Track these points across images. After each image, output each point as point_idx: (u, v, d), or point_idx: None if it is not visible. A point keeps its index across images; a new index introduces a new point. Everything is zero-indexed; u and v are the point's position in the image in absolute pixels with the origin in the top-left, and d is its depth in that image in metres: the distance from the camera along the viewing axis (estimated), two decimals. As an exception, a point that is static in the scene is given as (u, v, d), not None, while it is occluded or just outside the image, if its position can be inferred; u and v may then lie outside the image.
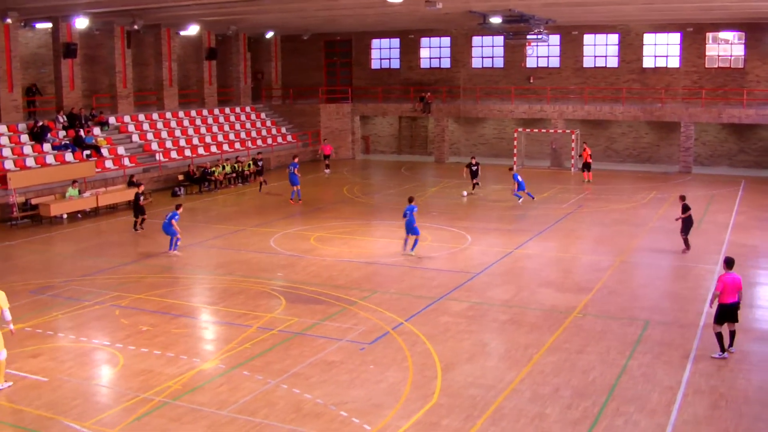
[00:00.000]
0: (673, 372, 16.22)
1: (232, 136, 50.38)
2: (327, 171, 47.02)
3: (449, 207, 36.03)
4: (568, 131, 48.99)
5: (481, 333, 19.01)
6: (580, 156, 45.37)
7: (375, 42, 60.28)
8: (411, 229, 26.36)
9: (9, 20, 37.67)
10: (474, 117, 54.57)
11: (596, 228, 31.16)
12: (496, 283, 23.32)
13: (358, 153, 57.02)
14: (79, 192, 34.58)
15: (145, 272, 24.74)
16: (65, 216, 33.44)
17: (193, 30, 46.75)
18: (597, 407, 14.49)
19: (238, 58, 56.21)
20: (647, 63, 52.07)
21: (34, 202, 33.32)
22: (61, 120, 41.05)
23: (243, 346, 17.84)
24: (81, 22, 39.48)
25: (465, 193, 39.05)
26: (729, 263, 17.36)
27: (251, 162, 44.48)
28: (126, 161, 41.04)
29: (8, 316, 15.91)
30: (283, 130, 55.35)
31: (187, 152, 45.42)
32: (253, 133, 52.35)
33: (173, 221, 26.79)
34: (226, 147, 48.35)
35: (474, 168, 39.65)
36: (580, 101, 51.63)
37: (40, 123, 39.30)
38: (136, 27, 42.94)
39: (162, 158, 43.36)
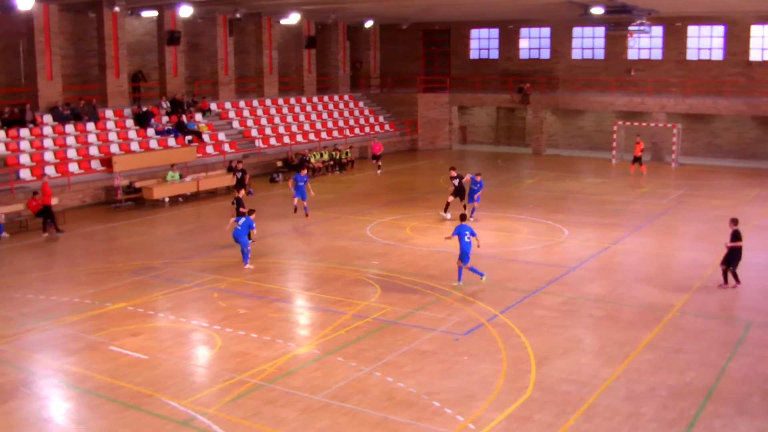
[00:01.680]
0: (775, 374, 15.80)
1: (330, 124, 50.77)
2: (379, 171, 44.22)
3: (545, 199, 35.66)
4: (669, 125, 47.95)
5: (575, 328, 18.81)
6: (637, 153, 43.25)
7: (474, 32, 59.94)
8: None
9: (117, 9, 38.66)
10: (572, 109, 53.87)
11: (696, 224, 30.46)
12: (592, 278, 23.02)
13: (455, 143, 56.86)
14: (180, 176, 35.33)
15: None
16: (167, 199, 34.21)
17: (293, 18, 47.16)
18: (694, 409, 14.18)
19: (337, 46, 56.59)
20: (754, 56, 50.52)
21: (137, 185, 34.18)
22: (165, 106, 41.99)
23: (337, 333, 18.01)
24: (185, 11, 40.22)
25: (448, 215, 31.02)
26: None
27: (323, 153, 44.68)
28: (226, 147, 41.76)
29: None
30: (381, 118, 55.53)
31: (286, 139, 45.98)
32: (351, 122, 52.67)
33: (250, 228, 24.45)
34: (324, 135, 48.77)
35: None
36: (682, 95, 50.46)
37: (144, 108, 40.30)
38: (237, 15, 43.62)
39: (261, 145, 43.97)
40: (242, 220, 23.82)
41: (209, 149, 40.82)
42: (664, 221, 31.01)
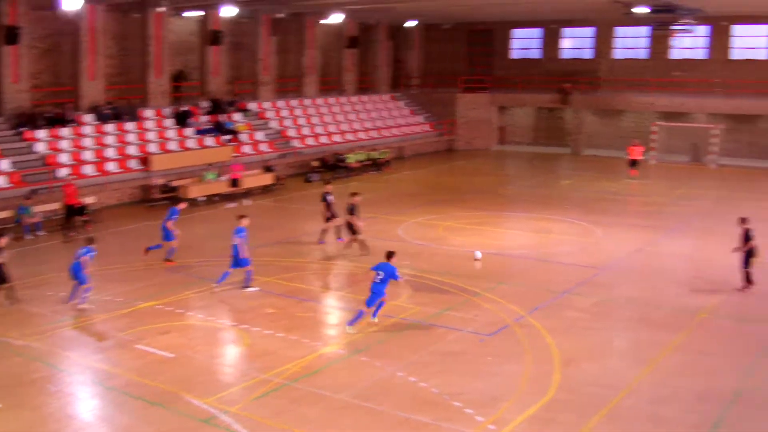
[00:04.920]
0: (803, 380, 15.58)
1: (368, 124, 50.87)
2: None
3: (581, 200, 35.43)
4: (710, 125, 47.36)
5: (604, 330, 18.70)
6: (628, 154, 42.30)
7: (516, 32, 59.71)
8: None
9: (162, 9, 39.07)
10: (612, 109, 53.45)
11: (734, 227, 29.98)
12: (625, 279, 22.85)
13: (493, 143, 56.66)
14: (218, 175, 35.59)
15: (277, 255, 25.26)
16: (203, 198, 34.47)
17: (336, 18, 47.34)
18: (719, 412, 14.04)
19: (379, 46, 56.70)
20: (799, 56, 49.84)
21: (173, 184, 34.48)
22: (204, 105, 42.34)
23: (364, 332, 18.04)
24: (228, 11, 40.53)
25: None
26: None
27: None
28: (264, 147, 42.00)
29: None
30: (420, 118, 55.52)
31: (323, 139, 46.13)
32: (390, 122, 52.72)
33: (170, 221, 23.77)
34: (362, 135, 48.86)
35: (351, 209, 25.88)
36: (726, 95, 49.82)
37: (184, 108, 40.67)
38: (280, 15, 43.78)
39: (298, 144, 44.16)
40: None
41: (246, 149, 41.07)
42: (701, 222, 30.67)
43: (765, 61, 50.56)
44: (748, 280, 21.64)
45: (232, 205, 32.52)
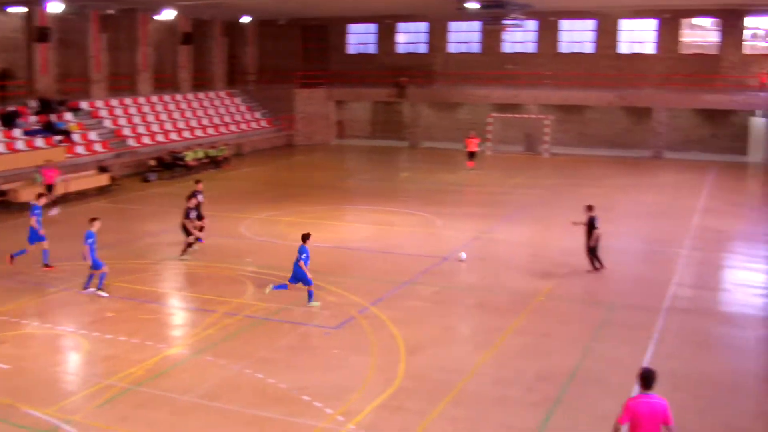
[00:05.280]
0: (635, 354, 16.30)
1: (205, 122, 50.16)
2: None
3: (420, 192, 36.07)
4: (541, 116, 49.08)
5: (447, 317, 19.08)
6: (465, 146, 43.39)
7: (351, 27, 60.12)
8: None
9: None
10: (449, 102, 54.58)
11: (567, 213, 31.14)
12: (465, 267, 23.39)
13: (332, 138, 56.87)
14: (41, 178, 34.17)
15: (115, 258, 24.53)
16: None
17: (168, 15, 46.42)
18: (558, 389, 14.59)
19: (214, 42, 55.96)
20: (623, 49, 52.24)
21: (3, 188, 33.03)
22: (33, 105, 40.74)
23: (208, 332, 17.81)
24: (55, 6, 39.08)
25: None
26: (646, 379, 10.44)
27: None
28: (98, 147, 40.79)
29: None
30: (258, 115, 55.16)
31: (160, 137, 45.19)
32: (227, 118, 52.16)
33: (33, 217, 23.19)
34: (199, 132, 48.14)
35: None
36: (555, 87, 51.70)
37: (10, 108, 38.99)
38: (110, 11, 42.55)
39: (134, 144, 43.10)
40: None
41: (80, 149, 39.74)
42: (536, 210, 31.73)
43: (591, 54, 52.75)
44: (594, 263, 22.64)
45: (54, 212, 31.10)
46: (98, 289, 20.71)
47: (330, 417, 13.54)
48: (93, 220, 21.31)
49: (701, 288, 21.56)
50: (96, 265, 20.70)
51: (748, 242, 26.92)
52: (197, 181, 26.40)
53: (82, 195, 35.11)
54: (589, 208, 22.73)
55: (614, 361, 16.05)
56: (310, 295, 19.60)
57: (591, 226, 22.38)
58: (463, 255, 24.03)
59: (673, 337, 17.40)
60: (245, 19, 56.45)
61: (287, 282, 19.89)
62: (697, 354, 16.48)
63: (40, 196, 24.83)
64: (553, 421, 13.44)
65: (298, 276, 19.53)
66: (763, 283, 22.35)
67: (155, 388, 14.80)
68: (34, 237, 23.17)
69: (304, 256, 19.45)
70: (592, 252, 22.58)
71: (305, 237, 19.77)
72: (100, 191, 35.51)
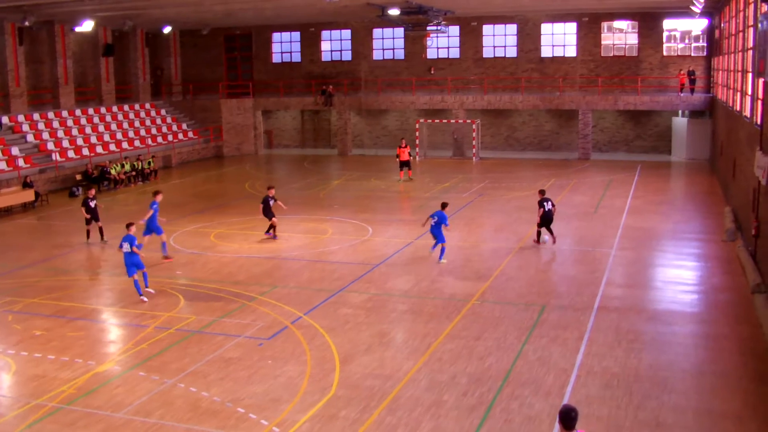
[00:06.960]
0: (567, 354, 16.54)
1: (131, 134, 49.50)
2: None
3: (351, 199, 36.10)
4: (469, 121, 49.49)
5: (379, 324, 19.07)
6: (397, 156, 41.96)
7: (275, 36, 59.96)
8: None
9: None
10: (376, 109, 54.74)
11: (497, 216, 31.57)
12: (397, 273, 23.44)
13: (260, 148, 56.60)
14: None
15: (41, 275, 24.15)
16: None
17: (87, 26, 45.69)
18: (492, 392, 14.68)
19: (136, 54, 55.24)
20: (545, 52, 53.03)
21: None
22: (-49, 121, 39.86)
23: (139, 347, 17.56)
24: (-31, 20, 38.27)
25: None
26: (567, 419, 9.13)
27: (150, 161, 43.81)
28: (20, 162, 39.98)
29: None
30: (184, 126, 54.64)
31: (85, 151, 44.45)
32: (153, 130, 51.55)
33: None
34: (125, 145, 47.48)
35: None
36: (481, 91, 52.19)
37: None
38: (27, 23, 41.77)
39: (58, 158, 42.36)
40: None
41: (2, 165, 38.91)
42: (466, 214, 31.94)
43: (514, 58, 53.36)
44: (552, 235, 26.19)
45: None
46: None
47: (266, 429, 13.44)
48: (156, 193, 25.70)
49: (630, 287, 21.92)
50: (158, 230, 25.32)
51: (675, 240, 27.49)
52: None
53: (6, 212, 34.42)
54: (542, 192, 26.41)
55: (547, 361, 16.21)
56: (442, 251, 24.37)
57: (539, 206, 25.86)
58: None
59: (604, 335, 17.65)
60: (167, 30, 55.85)
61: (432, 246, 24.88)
62: (627, 351, 16.72)
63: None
64: (488, 424, 13.51)
65: (439, 238, 24.41)
66: (689, 280, 22.85)
67: (87, 406, 14.53)
68: None
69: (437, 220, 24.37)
70: (542, 225, 25.99)
71: (444, 205, 24.94)
72: (25, 207, 34.83)
